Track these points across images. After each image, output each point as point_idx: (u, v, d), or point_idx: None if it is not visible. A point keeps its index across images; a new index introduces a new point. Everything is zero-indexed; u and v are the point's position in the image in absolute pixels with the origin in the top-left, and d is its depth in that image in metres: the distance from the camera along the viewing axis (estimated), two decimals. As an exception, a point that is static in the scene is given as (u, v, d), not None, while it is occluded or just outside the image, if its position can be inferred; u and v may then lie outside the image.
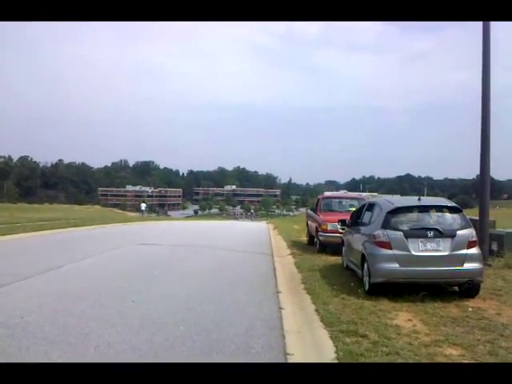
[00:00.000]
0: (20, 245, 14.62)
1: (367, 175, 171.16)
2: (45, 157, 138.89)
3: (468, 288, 7.23)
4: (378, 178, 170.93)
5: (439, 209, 7.61)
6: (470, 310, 6.56)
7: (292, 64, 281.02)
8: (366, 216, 8.48)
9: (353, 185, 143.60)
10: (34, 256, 12.08)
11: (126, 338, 5.23)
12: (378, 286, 7.25)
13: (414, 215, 7.51)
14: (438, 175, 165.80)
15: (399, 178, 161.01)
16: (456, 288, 7.65)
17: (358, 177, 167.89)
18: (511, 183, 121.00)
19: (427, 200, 8.38)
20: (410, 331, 5.54)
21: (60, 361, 4.29)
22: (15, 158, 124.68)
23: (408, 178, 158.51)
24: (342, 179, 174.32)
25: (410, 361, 4.51)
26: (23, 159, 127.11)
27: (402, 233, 7.12)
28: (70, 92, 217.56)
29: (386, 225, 7.29)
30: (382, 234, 7.23)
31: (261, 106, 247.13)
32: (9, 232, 16.53)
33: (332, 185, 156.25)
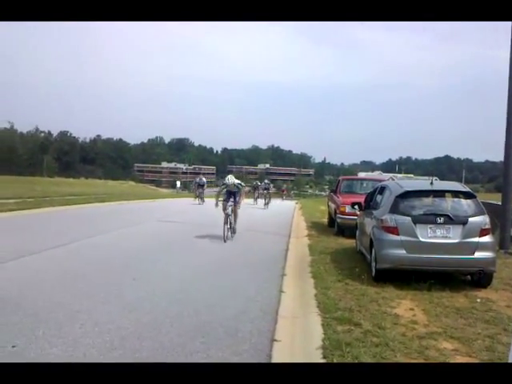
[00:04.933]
0: (40, 219, 15.01)
1: (404, 156, 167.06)
2: (84, 132, 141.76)
3: (479, 278, 6.89)
4: (416, 159, 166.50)
5: (452, 194, 7.23)
6: (479, 300, 6.24)
7: (329, 41, 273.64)
8: (378, 199, 8.18)
9: (389, 166, 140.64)
10: (54, 229, 12.37)
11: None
12: (385, 273, 7.00)
13: (425, 200, 7.15)
14: (478, 157, 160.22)
15: (437, 159, 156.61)
16: (469, 277, 7.31)
17: (394, 158, 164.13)
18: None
19: (440, 184, 7.99)
20: (408, 321, 5.30)
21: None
22: (55, 133, 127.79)
23: (446, 159, 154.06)
24: (378, 160, 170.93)
25: (398, 354, 4.30)
26: (63, 134, 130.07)
27: (410, 218, 6.80)
28: (109, 68, 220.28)
29: (394, 209, 6.99)
30: (389, 219, 6.94)
31: (295, 84, 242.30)
32: (35, 206, 16.98)
33: (367, 165, 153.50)
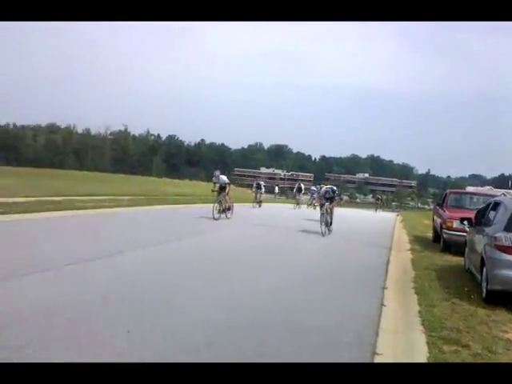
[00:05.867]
0: (154, 215, 16.10)
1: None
2: (189, 136, 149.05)
3: None
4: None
5: None
6: None
7: (435, 45, 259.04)
8: (490, 216, 7.68)
9: (501, 181, 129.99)
10: (166, 225, 13.23)
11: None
12: (496, 294, 6.56)
13: (546, 219, 6.59)
14: None
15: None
16: None
17: (508, 172, 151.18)
18: None
19: None
20: (522, 348, 4.94)
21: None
22: (164, 136, 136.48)
23: None
24: (490, 174, 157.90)
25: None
26: (171, 138, 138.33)
27: (528, 238, 6.31)
28: (215, 77, 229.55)
29: (510, 227, 6.53)
30: (504, 237, 6.49)
31: (398, 91, 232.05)
32: (147, 203, 18.28)
33: (476, 179, 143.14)
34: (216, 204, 15.98)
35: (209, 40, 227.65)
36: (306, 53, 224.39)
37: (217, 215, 15.68)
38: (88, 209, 14.90)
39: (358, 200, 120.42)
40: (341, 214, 26.91)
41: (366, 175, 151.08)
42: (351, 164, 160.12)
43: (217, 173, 17.03)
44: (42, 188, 19.84)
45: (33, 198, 15.13)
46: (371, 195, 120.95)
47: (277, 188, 62.61)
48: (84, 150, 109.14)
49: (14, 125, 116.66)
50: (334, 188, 15.91)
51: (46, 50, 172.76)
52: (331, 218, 14.81)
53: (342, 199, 60.61)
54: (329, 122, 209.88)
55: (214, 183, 17.01)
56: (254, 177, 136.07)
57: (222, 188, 16.52)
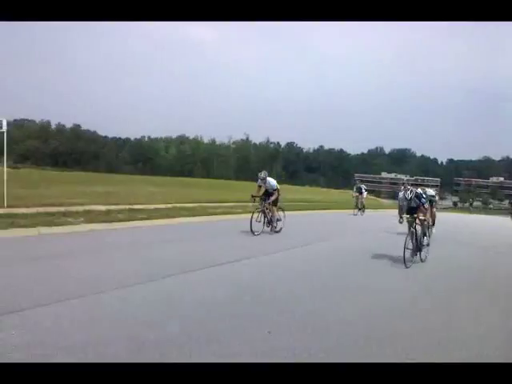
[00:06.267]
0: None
1: None
2: (308, 143, 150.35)
3: None
4: None
5: None
6: None
7: None
8: None
9: None
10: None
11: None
12: None
13: None
14: None
15: None
16: None
17: None
18: None
19: None
20: None
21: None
22: (283, 143, 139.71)
23: None
24: None
25: None
26: (290, 145, 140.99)
27: None
28: (332, 85, 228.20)
29: None
30: None
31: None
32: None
33: None
34: (257, 214, 12.45)
35: (321, 49, 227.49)
36: (428, 51, 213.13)
37: (258, 228, 12.16)
38: (218, 214, 15.81)
39: (491, 206, 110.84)
40: (468, 221, 25.16)
41: (501, 179, 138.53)
42: (483, 167, 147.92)
43: (262, 174, 12.85)
44: (176, 195, 21.42)
45: (170, 205, 16.47)
46: (507, 201, 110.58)
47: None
48: (210, 159, 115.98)
49: (149, 137, 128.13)
50: (420, 191, 10.19)
51: (178, 67, 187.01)
52: (426, 237, 10.33)
53: (472, 204, 54.68)
54: (456, 123, 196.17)
55: (259, 186, 12.96)
56: (375, 182, 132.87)
57: (268, 194, 12.83)
